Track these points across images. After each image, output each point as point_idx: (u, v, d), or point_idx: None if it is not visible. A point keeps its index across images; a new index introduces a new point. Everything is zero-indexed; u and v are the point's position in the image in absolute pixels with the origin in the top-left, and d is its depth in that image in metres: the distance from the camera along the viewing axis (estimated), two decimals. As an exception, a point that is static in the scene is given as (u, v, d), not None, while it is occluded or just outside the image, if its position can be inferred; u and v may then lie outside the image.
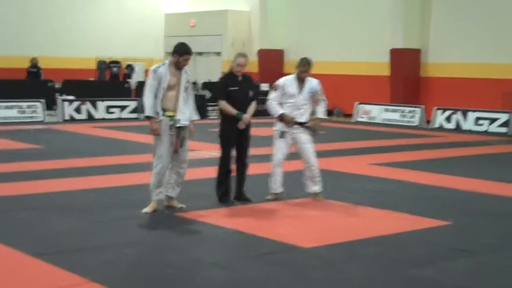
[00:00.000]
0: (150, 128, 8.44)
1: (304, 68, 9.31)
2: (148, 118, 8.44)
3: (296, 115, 9.35)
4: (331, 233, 7.84)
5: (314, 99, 9.48)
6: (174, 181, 8.68)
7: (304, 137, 9.43)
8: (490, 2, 21.90)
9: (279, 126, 9.43)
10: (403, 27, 23.27)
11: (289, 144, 9.42)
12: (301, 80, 9.37)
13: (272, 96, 9.41)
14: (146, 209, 8.50)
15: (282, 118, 9.33)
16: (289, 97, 9.34)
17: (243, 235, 7.64)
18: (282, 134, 9.39)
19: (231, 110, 9.03)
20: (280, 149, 9.42)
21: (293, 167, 10.21)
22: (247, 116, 9.05)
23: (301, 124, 9.39)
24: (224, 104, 9.09)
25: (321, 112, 9.57)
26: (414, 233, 7.87)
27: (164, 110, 8.42)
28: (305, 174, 9.55)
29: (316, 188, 9.52)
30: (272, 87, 9.42)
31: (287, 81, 9.39)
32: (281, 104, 9.37)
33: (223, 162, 9.15)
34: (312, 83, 9.46)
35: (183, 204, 8.78)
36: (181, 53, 8.45)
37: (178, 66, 8.46)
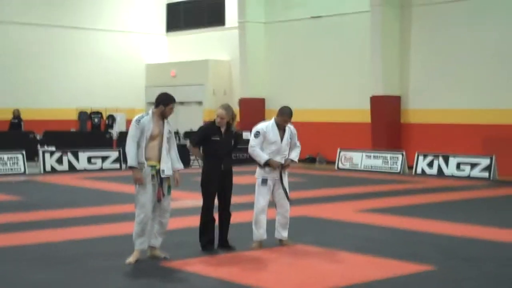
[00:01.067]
0: (133, 178, 8.40)
1: (288, 119, 9.40)
2: (131, 168, 8.41)
3: (278, 160, 9.38)
4: (317, 280, 7.77)
5: (291, 142, 9.55)
6: (157, 231, 8.61)
7: (284, 182, 9.47)
8: (468, 48, 22.19)
9: (261, 173, 9.41)
10: (382, 74, 23.48)
11: (271, 190, 9.41)
12: (281, 128, 9.43)
13: (254, 143, 9.40)
14: (130, 259, 8.40)
15: (269, 163, 9.32)
16: (270, 144, 9.37)
17: (228, 284, 7.56)
18: (264, 181, 9.39)
19: (199, 153, 9.21)
20: (263, 196, 9.39)
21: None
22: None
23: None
24: (192, 148, 9.19)
25: (294, 156, 9.62)
26: (399, 279, 7.82)
27: (146, 159, 8.40)
28: (277, 221, 9.53)
29: (285, 234, 9.56)
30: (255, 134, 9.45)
31: (268, 128, 9.41)
32: (264, 150, 9.38)
33: (206, 211, 9.09)
34: (291, 129, 9.56)
35: (167, 253, 8.69)
36: (166, 103, 8.48)
37: (164, 115, 8.49)
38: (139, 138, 8.37)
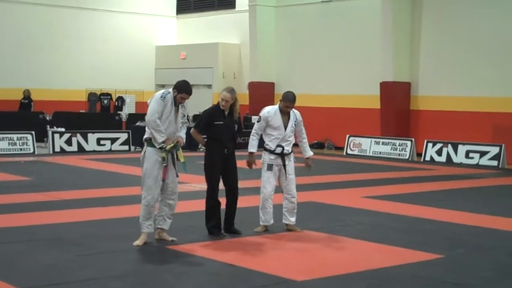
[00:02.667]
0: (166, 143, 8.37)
1: (290, 104, 9.39)
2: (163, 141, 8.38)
3: (283, 146, 9.36)
4: (323, 266, 7.77)
5: (296, 130, 9.52)
6: (165, 214, 8.64)
7: (289, 168, 9.46)
8: (479, 35, 22.05)
9: (266, 159, 9.41)
10: (392, 60, 23.37)
11: (277, 175, 9.42)
12: (285, 113, 9.40)
13: (256, 127, 9.43)
14: (137, 242, 8.42)
15: (249, 159, 9.33)
16: (274, 129, 9.37)
17: (234, 268, 7.57)
18: (270, 167, 9.38)
19: (200, 138, 9.21)
20: (269, 181, 9.40)
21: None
22: None
23: (287, 154, 9.41)
24: (195, 133, 9.15)
25: (308, 151, 9.69)
26: (406, 266, 7.81)
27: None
28: (284, 206, 9.54)
29: (293, 219, 9.58)
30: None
31: (271, 113, 9.40)
32: (268, 135, 9.38)
33: (210, 195, 9.08)
34: (296, 114, 9.55)
35: (174, 237, 8.71)
36: (180, 91, 8.47)
37: (175, 101, 8.48)
38: (160, 115, 8.36)
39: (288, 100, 9.36)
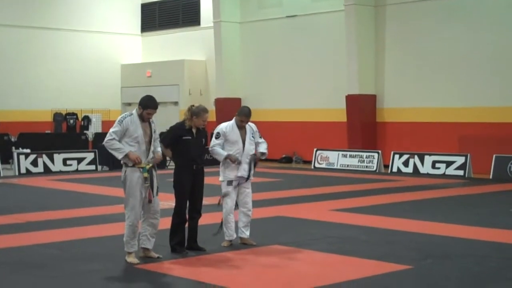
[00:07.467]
0: (131, 159, 8.29)
1: (245, 118, 9.44)
2: (123, 157, 8.32)
3: (245, 160, 9.41)
4: (293, 281, 7.74)
5: (255, 142, 9.59)
6: (149, 233, 8.62)
7: (247, 182, 9.51)
8: (442, 46, 22.31)
9: (225, 175, 9.41)
10: (358, 73, 23.53)
11: (236, 189, 9.43)
12: (241, 127, 9.44)
13: (215, 142, 9.40)
14: (131, 260, 8.42)
15: (228, 158, 9.32)
16: (232, 144, 9.39)
17: (205, 285, 7.52)
18: (230, 182, 9.39)
19: (168, 152, 9.11)
20: (230, 196, 9.44)
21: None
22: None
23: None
24: (165, 150, 9.07)
25: (264, 148, 9.66)
26: (376, 278, 7.81)
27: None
28: (240, 219, 9.56)
29: (248, 232, 9.61)
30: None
31: (228, 129, 9.44)
32: (227, 151, 9.39)
33: (178, 212, 9.03)
34: (252, 127, 9.62)
35: (160, 254, 8.68)
36: (144, 106, 8.44)
37: (142, 118, 8.46)
38: (120, 137, 8.32)
39: (243, 115, 9.41)
